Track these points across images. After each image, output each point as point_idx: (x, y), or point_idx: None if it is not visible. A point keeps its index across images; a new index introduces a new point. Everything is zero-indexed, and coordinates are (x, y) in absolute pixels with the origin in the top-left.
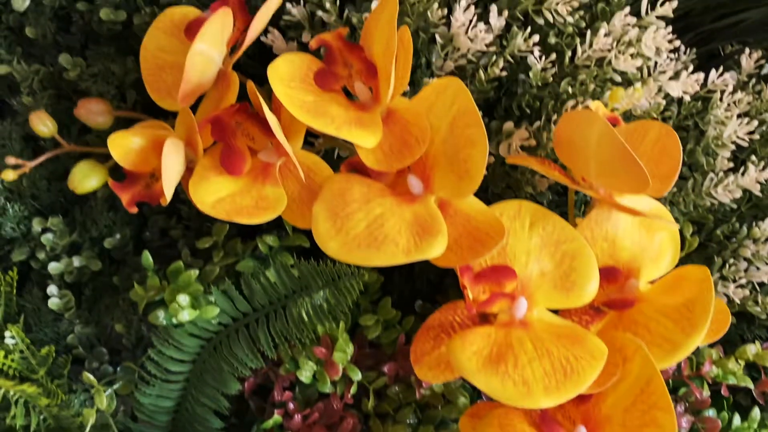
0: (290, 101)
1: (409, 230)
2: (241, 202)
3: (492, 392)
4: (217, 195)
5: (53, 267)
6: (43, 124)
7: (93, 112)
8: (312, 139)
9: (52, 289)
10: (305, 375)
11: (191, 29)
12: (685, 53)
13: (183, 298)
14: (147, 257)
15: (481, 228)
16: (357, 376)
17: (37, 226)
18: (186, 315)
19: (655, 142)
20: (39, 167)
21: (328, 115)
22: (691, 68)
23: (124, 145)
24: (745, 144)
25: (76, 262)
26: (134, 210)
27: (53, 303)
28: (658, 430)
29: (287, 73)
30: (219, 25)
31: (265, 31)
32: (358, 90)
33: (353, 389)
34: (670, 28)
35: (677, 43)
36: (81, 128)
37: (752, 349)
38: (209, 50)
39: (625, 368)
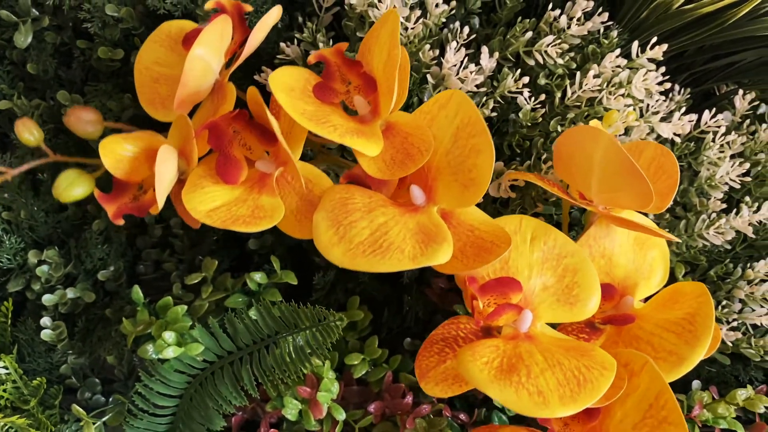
0: (293, 108)
1: (413, 238)
2: (237, 212)
3: (507, 402)
4: (212, 204)
5: (47, 298)
6: (29, 133)
7: (83, 120)
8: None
9: (45, 320)
10: (290, 413)
11: (189, 39)
12: (679, 93)
13: (169, 335)
14: (137, 292)
15: (486, 237)
16: (341, 415)
17: (33, 258)
18: (171, 352)
19: (651, 161)
20: (37, 200)
21: (330, 123)
22: (683, 109)
23: (116, 152)
24: (737, 186)
25: (71, 293)
26: (120, 222)
27: (46, 334)
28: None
29: (287, 84)
30: (218, 32)
31: (259, 70)
32: (358, 104)
33: (339, 428)
34: (662, 69)
35: (668, 85)
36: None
37: (743, 394)
38: (208, 56)
39: (631, 383)
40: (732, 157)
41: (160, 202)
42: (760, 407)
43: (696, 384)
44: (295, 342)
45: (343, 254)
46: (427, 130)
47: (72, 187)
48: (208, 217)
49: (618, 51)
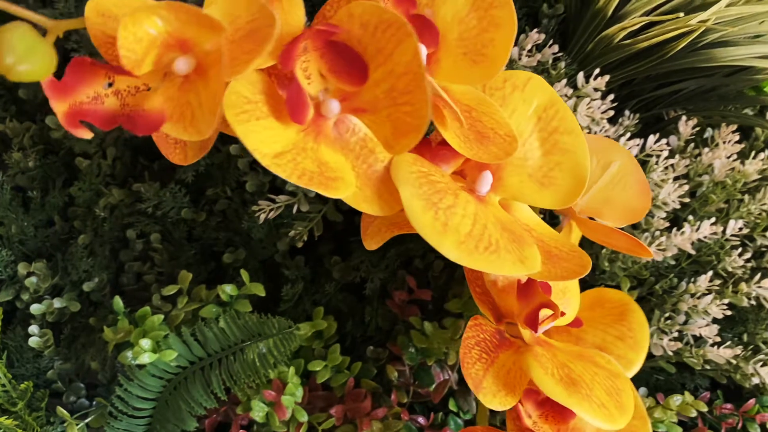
0: None
1: (506, 237)
2: (303, 164)
3: (586, 414)
4: (275, 146)
5: (35, 308)
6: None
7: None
8: None
9: (33, 328)
10: (258, 415)
11: None
12: (629, 118)
13: (145, 342)
14: (118, 302)
15: (563, 250)
16: (303, 417)
17: (22, 270)
18: (147, 357)
19: None
20: (27, 216)
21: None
22: (628, 135)
23: (139, 26)
24: (677, 206)
25: (57, 303)
26: (75, 129)
27: (33, 341)
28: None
29: None
30: None
31: None
32: None
33: (303, 429)
34: (611, 97)
35: (611, 113)
36: (65, 181)
37: (677, 400)
38: None
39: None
40: (676, 178)
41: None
42: (692, 411)
43: (643, 391)
44: (260, 349)
45: (457, 248)
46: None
47: (30, 55)
48: (275, 165)
49: (565, 81)
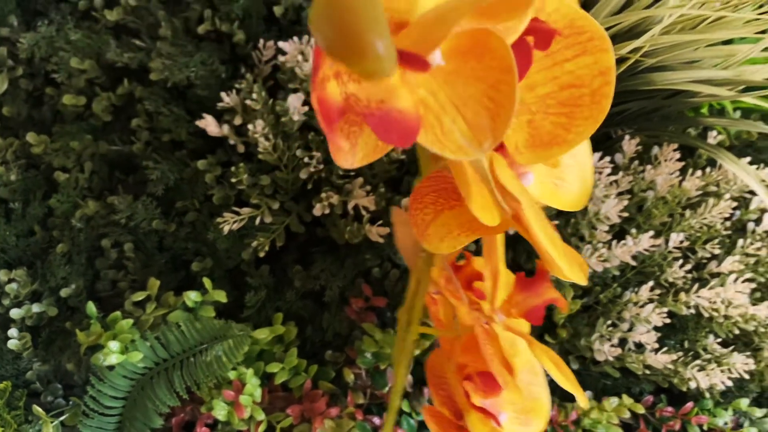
0: None
1: None
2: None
3: None
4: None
5: (15, 312)
6: None
7: None
8: None
9: (12, 331)
10: (220, 414)
11: None
12: None
13: (113, 344)
14: (91, 307)
15: None
16: (261, 416)
17: (3, 276)
18: (114, 358)
19: None
20: (9, 226)
21: None
22: None
23: None
24: (618, 220)
25: (36, 308)
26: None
27: (12, 344)
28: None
29: None
30: None
31: (200, 116)
32: None
33: (262, 428)
34: None
35: None
36: (45, 193)
37: (614, 402)
38: None
39: None
40: (620, 194)
41: None
42: (626, 413)
43: (588, 394)
44: (216, 351)
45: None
46: None
47: None
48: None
49: None
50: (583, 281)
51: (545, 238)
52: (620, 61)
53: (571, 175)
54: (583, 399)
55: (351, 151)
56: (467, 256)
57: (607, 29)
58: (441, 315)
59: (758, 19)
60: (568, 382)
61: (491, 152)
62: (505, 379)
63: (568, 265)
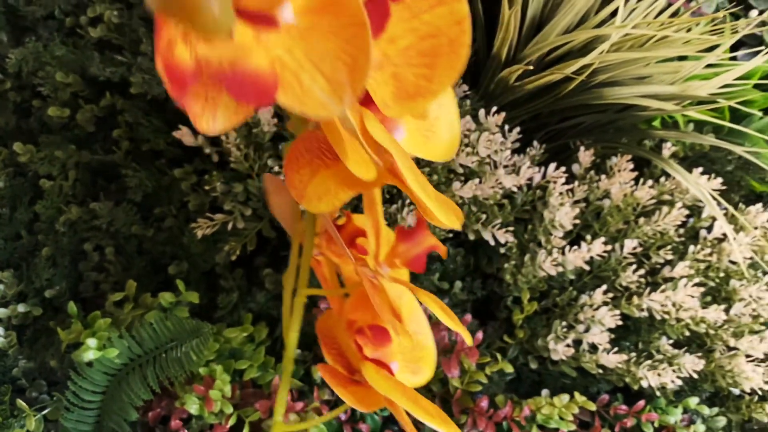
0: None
1: None
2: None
3: None
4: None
5: (1, 312)
6: None
7: None
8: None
9: None
10: (193, 408)
11: None
12: (535, 149)
13: (91, 341)
14: (72, 307)
15: None
16: (229, 409)
17: None
18: (92, 354)
19: None
20: None
21: None
22: (528, 164)
23: None
24: (570, 227)
25: (21, 308)
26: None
27: None
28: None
29: None
30: None
31: (177, 127)
32: None
33: (232, 421)
34: (517, 129)
35: (510, 144)
36: (31, 199)
37: (564, 399)
38: None
39: None
40: (576, 202)
41: None
42: (575, 409)
43: (545, 392)
44: (184, 348)
45: None
46: None
47: None
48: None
49: (469, 116)
50: (456, 226)
51: (419, 187)
52: (571, 78)
53: (439, 127)
54: (468, 338)
55: (211, 116)
56: (347, 215)
57: (560, 47)
58: (326, 275)
59: (699, 38)
60: (454, 323)
61: (362, 108)
62: (397, 328)
63: (442, 211)
